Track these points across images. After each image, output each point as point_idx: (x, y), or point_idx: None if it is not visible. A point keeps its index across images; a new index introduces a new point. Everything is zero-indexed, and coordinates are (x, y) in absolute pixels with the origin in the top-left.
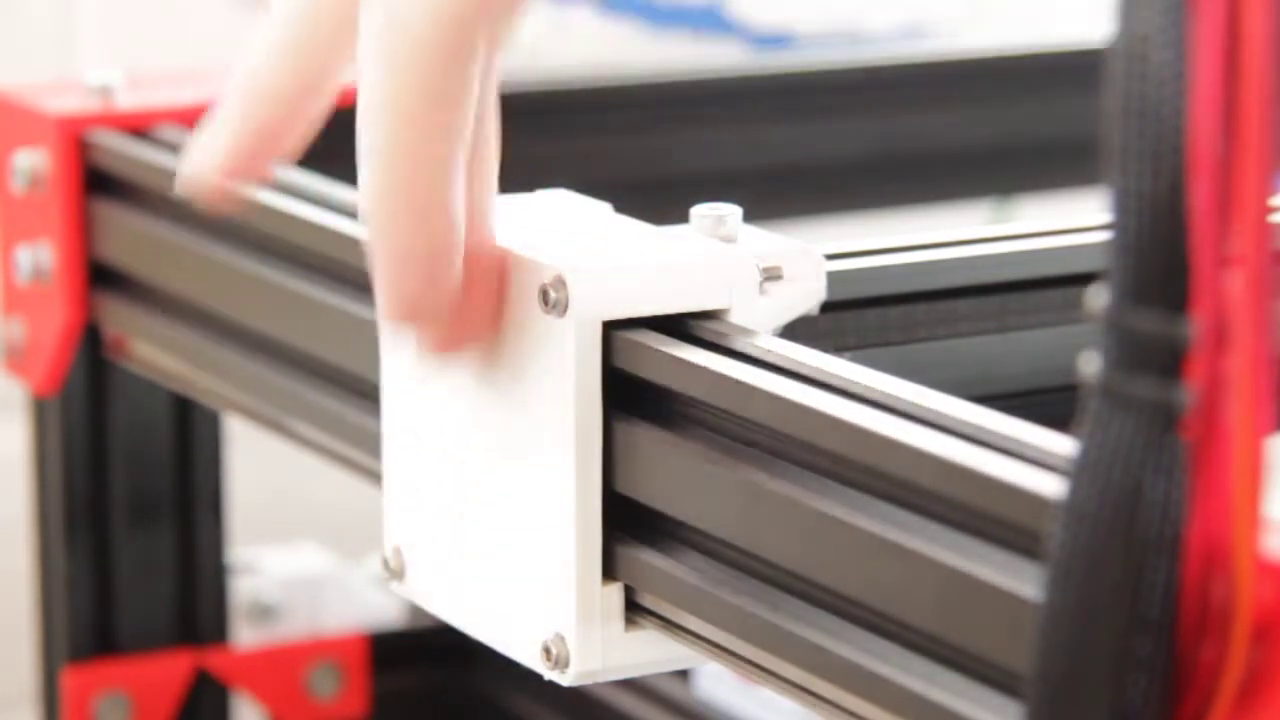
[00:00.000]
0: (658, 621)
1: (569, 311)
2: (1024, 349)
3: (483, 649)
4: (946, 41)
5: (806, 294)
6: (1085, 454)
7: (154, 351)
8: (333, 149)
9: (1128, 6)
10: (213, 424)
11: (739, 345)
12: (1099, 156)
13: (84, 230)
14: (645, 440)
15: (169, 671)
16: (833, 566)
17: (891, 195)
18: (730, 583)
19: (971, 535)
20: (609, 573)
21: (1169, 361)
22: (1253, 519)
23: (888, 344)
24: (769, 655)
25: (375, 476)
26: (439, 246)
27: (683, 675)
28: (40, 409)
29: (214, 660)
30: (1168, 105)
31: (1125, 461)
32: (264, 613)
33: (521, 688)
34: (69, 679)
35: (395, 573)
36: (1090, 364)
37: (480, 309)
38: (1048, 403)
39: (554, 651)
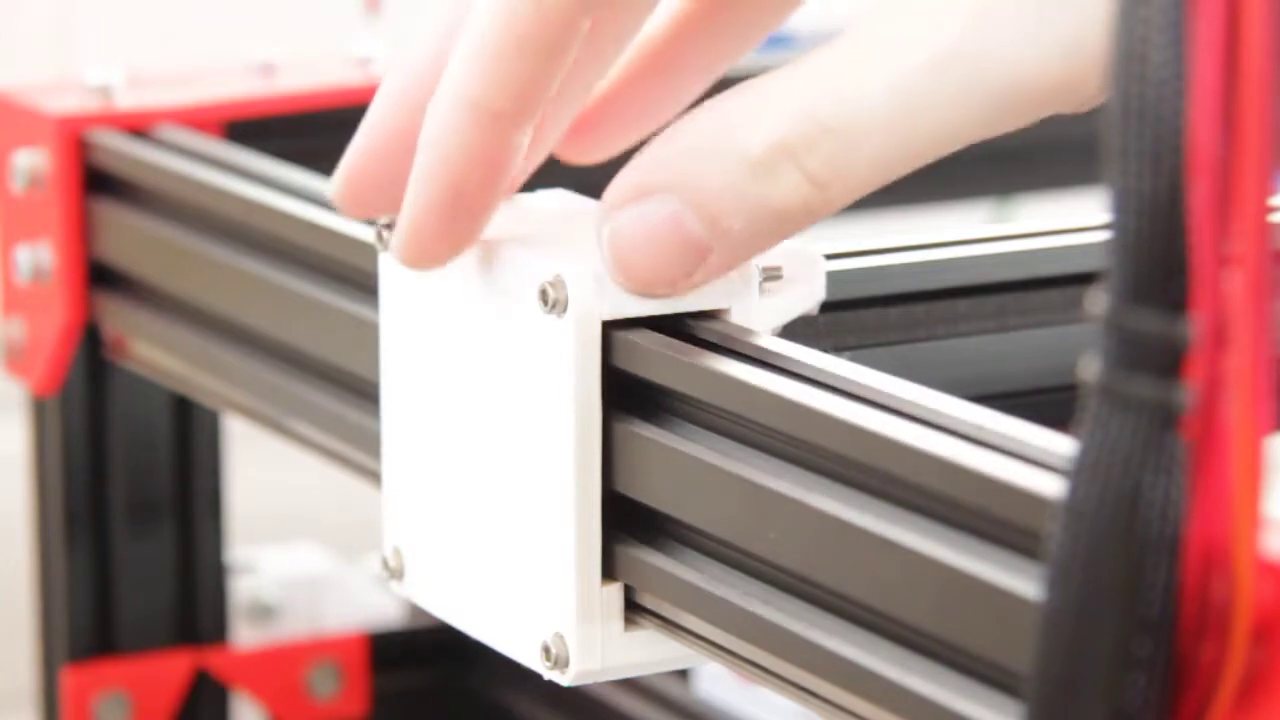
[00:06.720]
0: (658, 621)
1: (568, 311)
2: (1024, 349)
3: (483, 649)
4: None
5: (806, 294)
6: (1085, 454)
7: (154, 351)
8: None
9: (1127, 6)
10: (213, 424)
11: (739, 345)
12: (1099, 156)
13: (84, 230)
14: (645, 440)
15: (169, 671)
16: (833, 566)
17: (891, 195)
18: (730, 583)
19: (971, 535)
20: (609, 573)
21: (1168, 361)
22: (1253, 519)
23: (888, 344)
24: (769, 655)
25: (375, 476)
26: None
27: (683, 675)
28: (40, 409)
29: (214, 660)
30: (1167, 105)
31: (1125, 461)
32: (264, 613)
33: (521, 688)
34: (69, 679)
35: (395, 573)
36: (1090, 364)
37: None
38: (1048, 403)
39: (553, 651)
